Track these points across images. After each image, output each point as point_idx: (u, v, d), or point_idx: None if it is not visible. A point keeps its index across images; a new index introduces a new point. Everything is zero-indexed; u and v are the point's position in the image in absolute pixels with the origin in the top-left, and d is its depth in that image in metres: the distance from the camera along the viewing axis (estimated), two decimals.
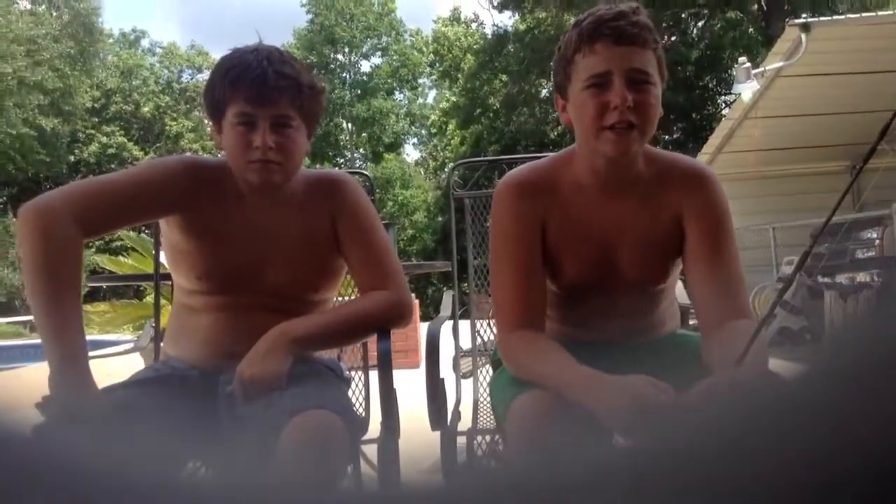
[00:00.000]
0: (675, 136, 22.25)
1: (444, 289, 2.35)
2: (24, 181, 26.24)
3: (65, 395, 1.31)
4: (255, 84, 1.45)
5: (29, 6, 27.45)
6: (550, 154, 1.59)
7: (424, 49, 34.10)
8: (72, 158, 28.29)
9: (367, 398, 2.14)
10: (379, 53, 34.64)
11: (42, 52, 24.67)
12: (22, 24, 24.49)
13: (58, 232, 1.38)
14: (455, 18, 32.06)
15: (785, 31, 6.35)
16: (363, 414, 2.06)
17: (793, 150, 8.26)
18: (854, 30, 6.36)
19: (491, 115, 25.91)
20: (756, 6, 19.76)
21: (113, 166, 26.80)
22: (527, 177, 1.50)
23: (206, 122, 1.58)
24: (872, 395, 0.33)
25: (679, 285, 1.64)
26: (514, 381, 1.39)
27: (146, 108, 30.66)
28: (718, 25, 21.35)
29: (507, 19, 26.77)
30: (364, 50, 34.22)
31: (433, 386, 1.72)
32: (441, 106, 31.57)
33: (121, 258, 7.11)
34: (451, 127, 29.27)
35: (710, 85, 22.81)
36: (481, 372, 2.31)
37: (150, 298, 6.37)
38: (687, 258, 1.47)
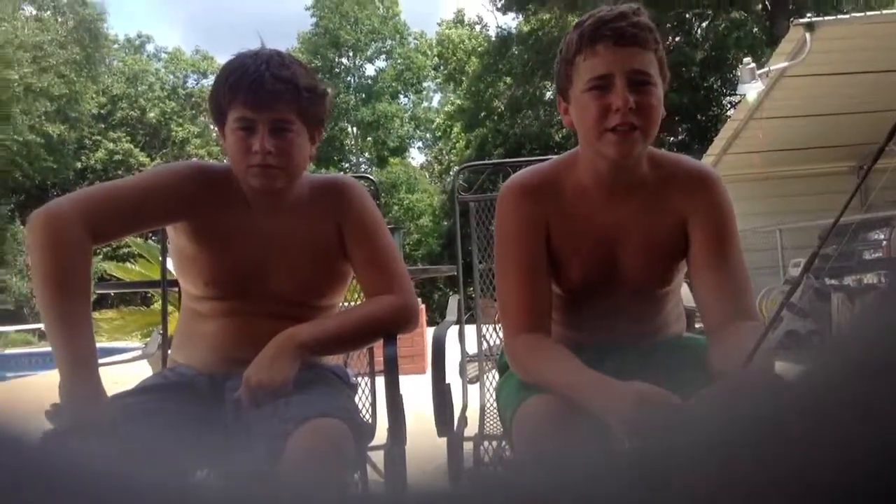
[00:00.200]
0: (679, 137, 22.22)
1: (450, 293, 2.35)
2: (32, 188, 26.34)
3: (75, 402, 1.31)
4: (253, 88, 1.45)
5: (34, 12, 27.61)
6: (554, 157, 1.59)
7: (429, 52, 34.13)
8: (78, 165, 28.41)
9: (373, 404, 2.13)
10: (383, 57, 34.71)
11: (48, 59, 24.82)
12: (28, 31, 24.65)
13: (67, 238, 1.38)
14: (459, 21, 32.09)
15: (789, 30, 6.33)
16: (370, 420, 2.06)
17: (799, 151, 8.23)
18: (859, 29, 6.34)
19: (495, 117, 25.90)
20: (760, 6, 19.72)
21: (119, 172, 26.89)
22: (530, 180, 1.50)
23: (211, 127, 1.59)
24: (877, 395, 0.33)
25: (685, 288, 1.63)
26: (520, 386, 1.39)
27: (152, 114, 30.78)
28: (723, 26, 21.30)
29: (511, 21, 26.74)
30: (368, 53, 34.29)
31: (439, 391, 1.72)
32: (446, 109, 31.59)
33: (128, 265, 7.14)
34: (455, 130, 29.28)
35: (714, 86, 22.76)
36: (487, 377, 2.31)
37: (157, 305, 6.39)
38: (692, 261, 1.46)
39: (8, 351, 15.10)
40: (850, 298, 5.65)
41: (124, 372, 3.45)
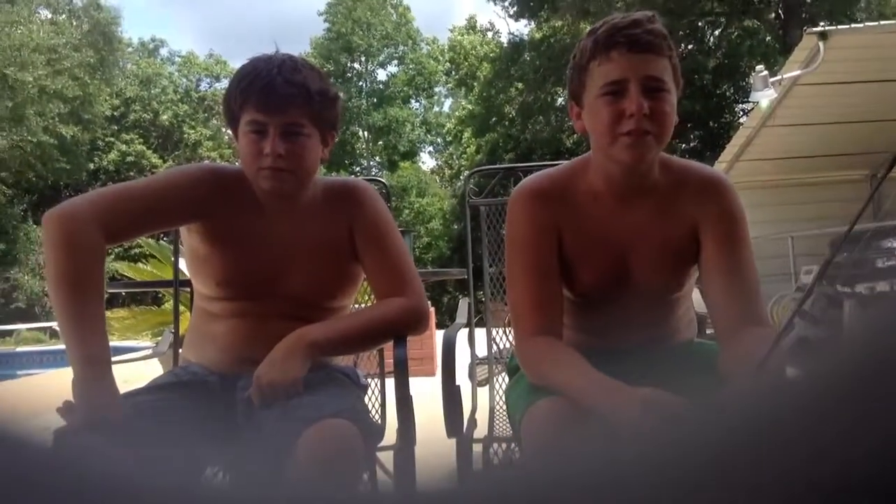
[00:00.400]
0: (692, 144, 22.17)
1: (460, 297, 2.36)
2: (45, 188, 26.53)
3: (87, 399, 1.32)
4: (264, 92, 1.46)
5: (50, 16, 27.82)
6: (565, 162, 1.59)
7: (440, 57, 34.21)
8: (91, 166, 28.60)
9: (383, 405, 2.14)
10: (395, 62, 34.83)
11: (62, 61, 24.98)
12: (43, 34, 24.81)
13: (82, 238, 1.39)
14: (471, 27, 32.15)
15: (802, 39, 6.31)
16: (379, 421, 2.06)
17: (811, 159, 8.19)
18: (872, 38, 6.31)
19: (507, 123, 25.92)
20: (773, 15, 19.67)
21: (132, 174, 27.06)
22: (542, 184, 1.50)
23: (223, 129, 1.60)
24: (878, 395, 0.33)
25: (696, 294, 1.63)
26: (530, 389, 1.39)
27: (165, 117, 30.96)
28: (735, 34, 21.26)
29: (523, 28, 26.80)
30: (380, 58, 34.41)
31: (449, 393, 1.72)
32: (457, 114, 31.64)
33: (140, 265, 7.17)
34: (466, 135, 29.31)
35: (727, 93, 22.71)
36: (497, 380, 2.31)
37: (168, 305, 6.42)
38: (703, 266, 1.46)
39: (20, 349, 15.20)
40: (863, 306, 5.61)
41: (135, 371, 3.46)
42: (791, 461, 0.33)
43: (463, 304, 2.25)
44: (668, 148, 1.43)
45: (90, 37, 27.07)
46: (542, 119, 24.01)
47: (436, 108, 35.94)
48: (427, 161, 36.30)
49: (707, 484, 0.36)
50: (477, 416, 2.12)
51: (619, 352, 1.46)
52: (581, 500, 0.39)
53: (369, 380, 2.00)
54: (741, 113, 21.44)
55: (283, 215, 1.58)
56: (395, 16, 34.38)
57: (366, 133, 33.74)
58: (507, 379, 1.82)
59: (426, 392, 2.12)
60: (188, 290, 1.96)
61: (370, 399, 2.05)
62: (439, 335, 1.88)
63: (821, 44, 6.01)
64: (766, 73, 6.64)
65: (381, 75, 35.06)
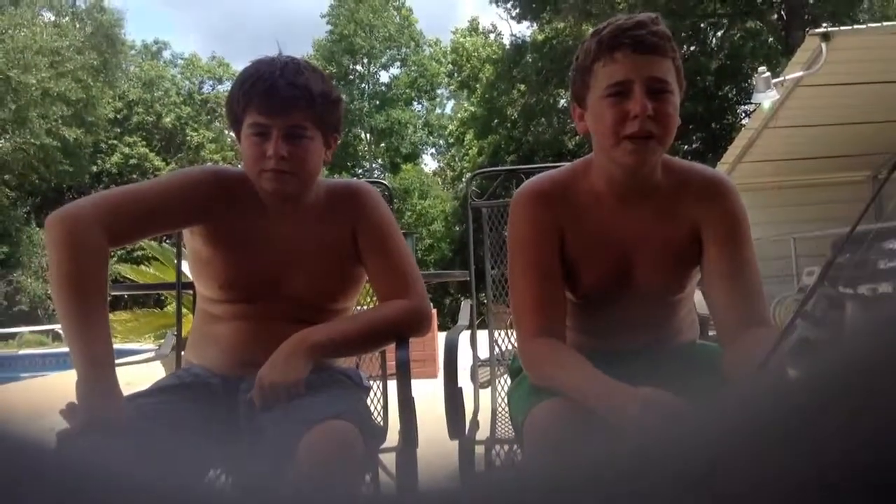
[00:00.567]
0: (694, 145, 22.16)
1: (462, 299, 2.36)
2: (48, 191, 26.59)
3: (91, 401, 1.32)
4: (267, 95, 1.47)
5: (53, 18, 27.89)
6: (567, 163, 1.59)
7: (443, 59, 34.23)
8: (94, 169, 28.66)
9: (385, 407, 2.14)
10: (398, 64, 34.85)
11: (65, 64, 25.05)
12: (46, 36, 24.88)
13: (85, 240, 1.40)
14: (473, 29, 32.16)
15: (805, 40, 6.30)
16: (381, 423, 2.06)
17: (813, 160, 8.18)
18: (875, 39, 6.30)
19: (509, 125, 25.93)
20: (776, 16, 19.66)
21: (135, 176, 27.12)
22: (543, 186, 1.50)
23: (226, 132, 1.60)
24: (882, 398, 0.33)
25: (699, 295, 1.63)
26: (532, 390, 1.39)
27: (168, 119, 31.02)
28: (738, 35, 21.27)
29: (526, 30, 26.80)
30: (383, 60, 34.43)
31: (451, 395, 1.73)
32: (459, 116, 31.65)
33: (142, 267, 7.19)
34: (469, 137, 29.32)
35: (729, 95, 22.70)
36: (499, 381, 2.31)
37: (171, 307, 6.43)
38: (705, 268, 1.46)
39: (22, 351, 15.23)
40: (865, 307, 5.60)
41: (138, 373, 3.47)
42: (791, 459, 0.34)
43: (465, 306, 2.25)
44: (671, 149, 1.43)
45: (93, 39, 27.15)
46: (545, 121, 24.01)
47: (438, 110, 36.01)
48: (429, 163, 36.36)
49: (708, 482, 0.36)
50: (479, 417, 2.12)
51: (622, 353, 1.46)
52: (583, 501, 0.39)
53: (371, 381, 2.00)
54: (743, 114, 21.43)
55: (285, 217, 1.59)
56: (397, 18, 34.42)
57: (368, 135, 33.77)
58: (509, 381, 1.82)
59: (428, 394, 2.12)
60: (191, 292, 1.96)
61: (372, 401, 2.05)
62: (441, 337, 1.88)
63: (823, 45, 6.00)
64: (768, 74, 6.64)
65: (384, 77, 35.15)
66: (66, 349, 1.39)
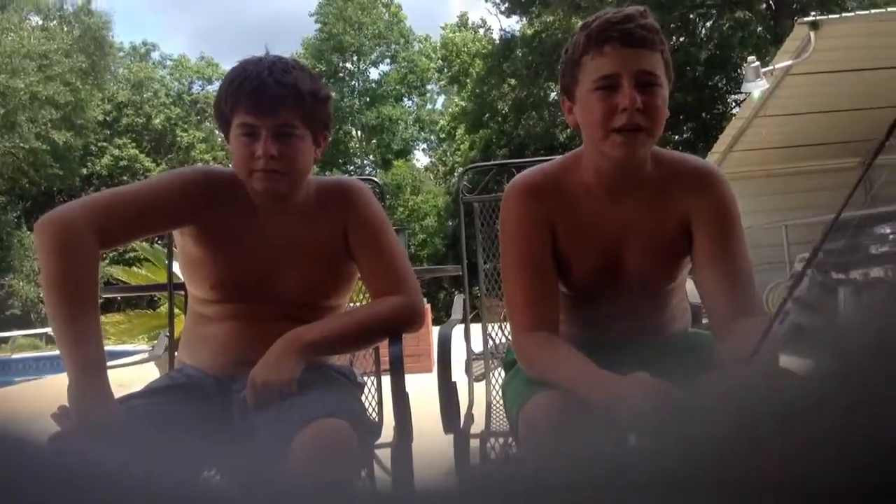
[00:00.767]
0: (685, 135, 22.21)
1: (455, 293, 2.36)
2: (38, 195, 26.48)
3: (83, 404, 1.32)
4: (255, 95, 1.46)
5: (40, 22, 27.74)
6: (557, 157, 1.59)
7: (433, 55, 34.19)
8: (84, 171, 28.53)
9: (379, 403, 2.14)
10: (387, 60, 34.79)
11: (54, 67, 24.92)
12: (34, 40, 24.74)
13: (75, 243, 1.39)
14: (463, 24, 32.14)
15: (794, 29, 6.32)
16: (376, 419, 2.07)
17: (804, 148, 8.21)
18: (863, 26, 6.32)
19: (500, 119, 25.92)
20: (764, 5, 19.71)
21: (125, 178, 27.00)
22: (534, 179, 1.50)
23: (216, 132, 1.60)
24: (882, 391, 0.33)
25: (691, 285, 1.64)
26: (527, 382, 1.40)
27: (157, 120, 30.89)
28: (727, 25, 21.30)
29: (515, 24, 26.79)
30: (373, 57, 34.36)
31: (445, 389, 1.73)
32: (450, 111, 31.66)
33: (134, 269, 7.18)
34: (460, 132, 29.32)
35: (719, 85, 22.74)
36: (493, 375, 2.31)
37: (163, 308, 6.42)
38: (696, 258, 1.47)
39: (15, 355, 15.15)
40: (857, 293, 5.62)
41: (131, 374, 3.46)
42: (788, 453, 0.34)
43: (458, 301, 2.25)
44: (661, 140, 1.43)
45: (81, 42, 27.01)
46: (536, 114, 24.00)
47: (429, 106, 35.94)
48: (421, 158, 36.36)
49: (706, 474, 0.36)
50: (474, 411, 2.12)
51: (614, 344, 1.46)
52: (578, 493, 0.39)
53: (365, 378, 2.00)
54: (733, 104, 21.46)
55: (276, 217, 1.58)
56: (386, 14, 34.35)
57: (359, 132, 33.71)
58: (503, 374, 1.82)
59: (423, 389, 2.12)
60: (182, 293, 1.95)
61: (367, 397, 2.05)
62: (436, 332, 1.88)
63: (812, 33, 6.02)
64: (757, 63, 6.65)
65: (374, 74, 35.06)
66: (59, 352, 1.39)
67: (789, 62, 6.46)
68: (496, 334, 2.34)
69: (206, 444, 1.47)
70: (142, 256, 6.62)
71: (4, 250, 24.89)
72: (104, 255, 1.48)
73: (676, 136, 21.69)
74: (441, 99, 35.87)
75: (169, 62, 34.86)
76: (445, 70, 31.79)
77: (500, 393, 1.76)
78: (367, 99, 33.79)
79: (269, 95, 1.46)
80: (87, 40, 27.34)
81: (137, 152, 29.82)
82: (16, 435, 0.42)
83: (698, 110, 21.70)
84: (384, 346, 1.67)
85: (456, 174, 25.77)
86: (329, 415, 1.33)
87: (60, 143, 25.17)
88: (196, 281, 1.59)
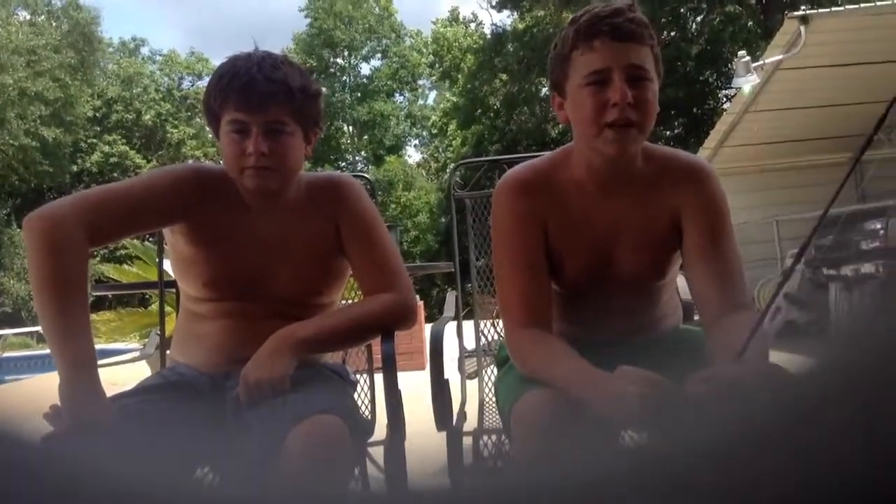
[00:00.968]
0: (675, 131, 22.26)
1: (448, 290, 2.36)
2: (28, 192, 26.35)
3: (74, 403, 1.31)
4: (245, 91, 1.45)
5: (28, 17, 27.56)
6: (547, 153, 1.59)
7: (424, 50, 34.14)
8: (74, 168, 28.41)
9: (372, 400, 2.14)
10: (378, 56, 34.73)
11: (42, 63, 24.78)
12: (21, 35, 24.61)
13: (65, 240, 1.38)
14: (454, 19, 32.09)
15: (784, 23, 6.34)
16: (369, 416, 2.06)
17: (795, 143, 8.24)
18: (853, 21, 6.34)
19: (491, 114, 25.93)
20: (754, 0, 19.74)
21: (115, 175, 26.90)
22: (525, 175, 1.50)
23: (207, 129, 1.59)
24: (876, 388, 0.33)
25: (682, 281, 1.64)
26: (519, 380, 1.40)
27: (147, 116, 30.76)
28: (717, 20, 21.33)
29: (506, 18, 26.84)
30: (364, 52, 34.30)
31: (438, 387, 1.73)
32: (441, 107, 31.64)
33: (125, 267, 7.15)
34: (451, 127, 29.31)
35: (710, 79, 22.79)
36: (486, 372, 2.31)
37: (155, 306, 6.39)
38: (686, 253, 1.47)
39: (6, 354, 15.09)
40: (848, 288, 5.65)
41: (123, 373, 3.45)
42: (789, 454, 0.34)
43: (451, 298, 2.25)
44: (652, 136, 1.43)
45: (70, 37, 26.87)
46: (527, 110, 24.03)
47: (420, 101, 35.92)
48: (413, 154, 36.33)
49: (699, 477, 0.36)
50: (467, 408, 2.12)
51: (606, 341, 1.46)
52: (573, 494, 0.39)
53: (358, 376, 2.00)
54: (724, 99, 21.52)
55: (267, 213, 1.58)
56: (377, 9, 34.26)
57: (350, 128, 33.66)
58: (496, 371, 1.82)
59: (416, 386, 2.12)
60: (174, 290, 1.95)
61: (360, 395, 2.05)
62: (428, 329, 1.88)
63: (802, 28, 6.04)
64: (748, 58, 6.67)
65: (365, 69, 35.01)
66: (49, 351, 1.38)
67: (779, 57, 6.48)
68: (489, 331, 2.34)
69: (199, 442, 1.47)
70: (133, 254, 6.59)
71: None
72: (94, 253, 1.47)
73: (668, 132, 21.73)
74: (433, 94, 35.88)
75: (158, 58, 34.75)
76: (437, 65, 31.77)
77: (493, 390, 1.76)
78: (359, 94, 33.73)
79: (259, 92, 1.45)
80: (76, 35, 27.20)
81: (127, 149, 29.70)
82: (6, 434, 0.42)
83: (689, 105, 21.75)
84: (377, 344, 1.67)
85: (448, 170, 25.75)
86: (323, 411, 1.33)
87: (50, 139, 25.06)
88: (188, 279, 1.58)
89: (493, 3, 24.45)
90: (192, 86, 33.62)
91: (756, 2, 19.76)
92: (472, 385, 2.31)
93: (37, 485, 0.39)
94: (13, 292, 23.81)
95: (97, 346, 1.44)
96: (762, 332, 1.16)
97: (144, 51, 34.98)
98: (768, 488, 0.34)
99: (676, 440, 0.42)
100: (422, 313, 6.17)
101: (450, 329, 1.98)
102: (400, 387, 1.56)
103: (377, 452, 1.75)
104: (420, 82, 35.51)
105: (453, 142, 28.90)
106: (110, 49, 32.34)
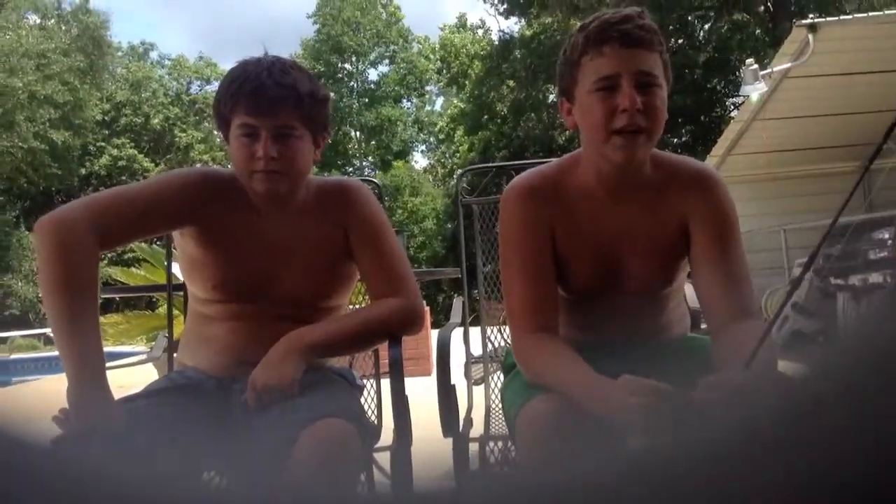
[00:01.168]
0: (683, 138, 22.22)
1: (455, 296, 2.36)
2: (37, 195, 26.47)
3: (83, 406, 1.32)
4: (254, 95, 1.46)
5: (38, 21, 27.73)
6: (556, 159, 1.59)
7: (431, 56, 34.19)
8: (83, 171, 28.52)
9: (379, 405, 2.14)
10: (386, 61, 34.82)
11: (52, 66, 24.92)
12: (32, 39, 24.75)
13: (75, 243, 1.39)
14: (461, 25, 32.14)
15: (792, 31, 6.33)
16: (375, 421, 2.06)
17: (803, 151, 8.21)
18: (861, 29, 6.33)
19: (499, 120, 25.94)
20: (762, 8, 19.73)
21: (124, 178, 26.98)
22: (533, 181, 1.50)
23: (215, 132, 1.60)
24: (880, 395, 0.33)
25: (690, 289, 1.64)
26: (525, 386, 1.39)
27: (156, 120, 30.86)
28: (725, 28, 21.31)
29: (514, 25, 26.81)
30: (371, 58, 34.38)
31: (445, 393, 1.73)
32: (449, 112, 31.64)
33: (133, 270, 7.17)
34: (459, 133, 29.31)
35: (717, 87, 22.74)
36: (493, 378, 2.31)
37: (162, 309, 6.41)
38: (694, 261, 1.47)
39: (14, 356, 15.15)
40: (856, 298, 5.62)
41: (130, 376, 3.46)
42: (794, 460, 0.34)
43: (457, 304, 2.25)
44: (660, 143, 1.43)
45: (79, 41, 27.02)
46: (534, 116, 24.02)
47: (427, 107, 35.97)
48: (420, 160, 36.31)
49: (705, 484, 0.36)
50: (473, 414, 2.12)
51: (612, 348, 1.46)
52: (574, 499, 0.39)
53: (365, 381, 2.00)
54: (732, 107, 21.48)
55: (276, 217, 1.58)
56: (384, 15, 34.35)
57: (358, 133, 33.73)
58: (502, 377, 1.82)
59: (422, 392, 2.12)
60: (182, 293, 1.95)
61: (366, 400, 2.05)
62: (435, 335, 1.88)
63: (810, 36, 6.03)
64: (756, 66, 6.66)
65: (373, 75, 35.10)
66: (58, 353, 1.38)
67: (788, 65, 6.47)
68: (495, 338, 2.34)
69: (206, 446, 1.47)
70: (140, 257, 6.61)
71: (3, 250, 24.85)
72: (102, 256, 1.47)
73: (675, 139, 21.70)
74: (440, 100, 35.91)
75: (167, 62, 34.88)
76: (444, 71, 31.78)
77: (500, 396, 1.76)
78: (366, 100, 33.81)
79: (269, 96, 1.46)
80: (86, 39, 27.35)
81: (136, 152, 29.79)
82: (13, 436, 0.42)
83: (697, 113, 21.71)
84: (384, 349, 1.67)
85: (455, 176, 25.75)
86: (330, 415, 1.33)
87: (59, 142, 25.17)
88: (197, 281, 1.59)
89: (501, 10, 24.52)
90: (200, 90, 33.75)
91: (764, 10, 19.74)
92: (479, 391, 2.31)
93: (45, 487, 0.39)
94: (21, 294, 23.90)
95: (104, 349, 1.44)
96: (770, 341, 1.15)
97: (153, 55, 35.17)
98: (773, 496, 0.34)
99: (681, 447, 0.42)
100: (428, 319, 6.17)
101: (456, 335, 1.98)
102: (406, 392, 1.56)
103: (383, 458, 1.75)
104: (427, 88, 35.59)
105: (460, 148, 28.90)
106: (119, 53, 32.52)
